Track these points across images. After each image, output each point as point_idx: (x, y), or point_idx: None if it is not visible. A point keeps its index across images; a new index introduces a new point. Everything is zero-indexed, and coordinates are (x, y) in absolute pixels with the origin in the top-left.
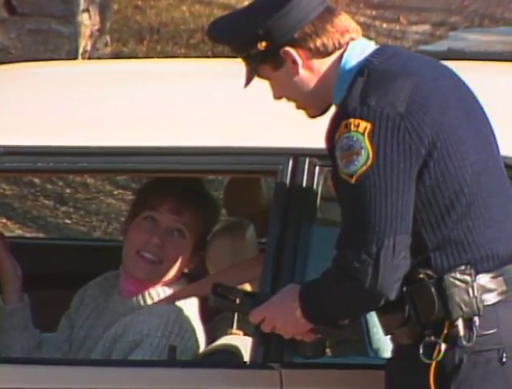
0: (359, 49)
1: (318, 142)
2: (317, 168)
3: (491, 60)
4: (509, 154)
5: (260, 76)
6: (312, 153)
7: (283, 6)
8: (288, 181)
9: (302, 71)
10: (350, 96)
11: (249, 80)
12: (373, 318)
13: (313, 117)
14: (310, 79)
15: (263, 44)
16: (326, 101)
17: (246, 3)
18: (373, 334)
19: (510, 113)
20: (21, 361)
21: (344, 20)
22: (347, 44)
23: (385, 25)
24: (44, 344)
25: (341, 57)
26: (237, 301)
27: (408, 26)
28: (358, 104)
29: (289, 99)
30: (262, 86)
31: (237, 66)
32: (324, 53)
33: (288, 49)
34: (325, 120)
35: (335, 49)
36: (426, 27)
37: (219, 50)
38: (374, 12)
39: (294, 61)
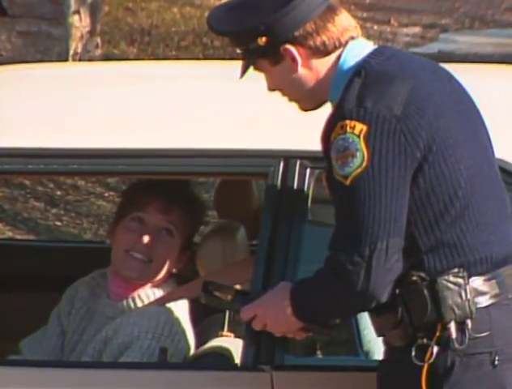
0: (357, 50)
1: (309, 144)
2: (307, 170)
3: (481, 62)
4: (503, 157)
5: (256, 69)
6: (303, 155)
7: (287, 4)
8: (278, 183)
9: (301, 69)
10: (347, 97)
11: (244, 72)
12: (364, 320)
13: (305, 110)
14: (308, 78)
15: (263, 39)
16: (322, 99)
17: None
18: (363, 336)
19: (501, 115)
20: (14, 363)
21: (345, 19)
22: (347, 43)
23: (375, 27)
24: (36, 352)
25: (339, 56)
26: (229, 298)
27: (399, 28)
28: (354, 105)
29: (283, 92)
30: (253, 88)
31: (228, 68)
32: (324, 52)
33: (288, 46)
34: (316, 122)
35: (335, 48)
36: (417, 30)
37: (209, 52)
38: (365, 14)
39: (293, 59)
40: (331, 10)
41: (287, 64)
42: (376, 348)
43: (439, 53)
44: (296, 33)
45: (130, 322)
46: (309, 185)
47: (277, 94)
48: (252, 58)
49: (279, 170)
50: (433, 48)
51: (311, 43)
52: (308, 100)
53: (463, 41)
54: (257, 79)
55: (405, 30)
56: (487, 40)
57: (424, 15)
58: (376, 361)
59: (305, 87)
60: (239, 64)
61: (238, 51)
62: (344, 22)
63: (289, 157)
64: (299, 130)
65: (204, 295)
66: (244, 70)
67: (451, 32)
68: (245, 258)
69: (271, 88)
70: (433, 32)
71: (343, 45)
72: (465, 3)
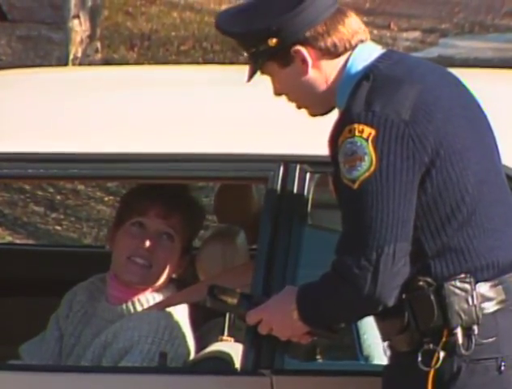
0: (365, 54)
1: (309, 148)
2: (307, 175)
3: (481, 67)
4: (506, 163)
5: (263, 72)
6: (303, 159)
7: (298, 5)
8: (278, 187)
9: (311, 71)
10: (355, 100)
11: (251, 75)
12: (364, 325)
13: (314, 115)
14: (318, 80)
15: (274, 41)
16: (331, 103)
17: None
18: (363, 340)
19: (501, 119)
20: (13, 367)
21: (355, 22)
22: (356, 45)
23: (375, 32)
24: (36, 356)
25: (348, 60)
26: (234, 302)
27: (399, 32)
28: (363, 109)
29: (290, 97)
30: (253, 92)
31: (228, 72)
32: (334, 53)
33: (298, 47)
34: (316, 126)
35: (345, 50)
36: (416, 34)
37: (209, 57)
38: (365, 18)
39: (304, 61)
40: (341, 13)
41: (297, 66)
42: (376, 352)
43: (439, 58)
44: (307, 34)
45: (130, 327)
46: (308, 189)
47: (277, 98)
48: (261, 60)
49: (278, 174)
50: (433, 52)
51: (322, 44)
52: (317, 104)
53: (463, 46)
54: (257, 83)
55: (405, 34)
56: (486, 44)
57: (423, 20)
58: (376, 365)
59: (314, 90)
60: (239, 68)
61: (246, 54)
62: (354, 24)
63: (289, 161)
64: (299, 134)
65: (209, 299)
66: (251, 74)
67: (451, 37)
68: (245, 263)
69: (278, 92)
70: (432, 37)
71: (352, 48)
72: (465, 8)
